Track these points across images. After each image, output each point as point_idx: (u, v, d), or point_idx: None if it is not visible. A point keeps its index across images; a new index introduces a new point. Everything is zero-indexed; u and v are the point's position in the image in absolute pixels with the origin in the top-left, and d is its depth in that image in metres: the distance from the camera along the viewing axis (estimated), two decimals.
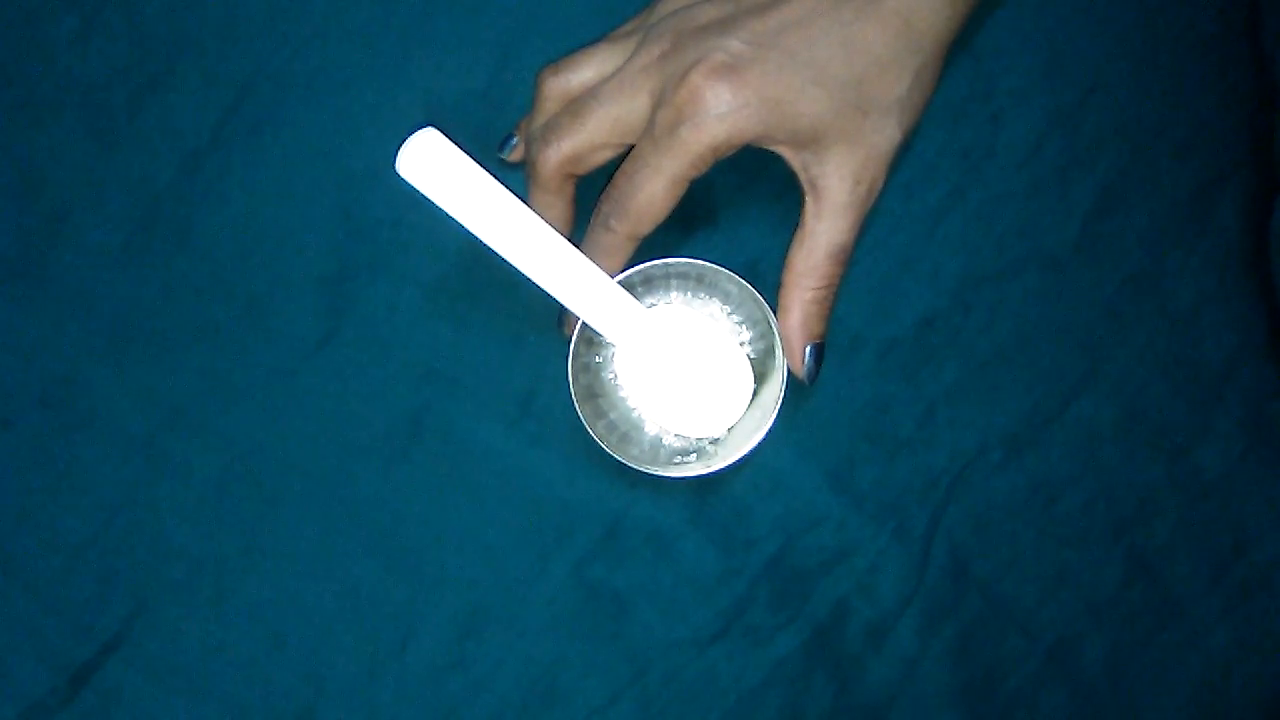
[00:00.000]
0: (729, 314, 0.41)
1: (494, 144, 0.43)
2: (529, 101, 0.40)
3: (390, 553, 0.49)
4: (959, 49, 0.41)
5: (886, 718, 0.50)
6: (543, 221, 0.36)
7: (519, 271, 0.36)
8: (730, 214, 0.50)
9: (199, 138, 0.48)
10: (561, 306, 0.37)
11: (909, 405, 0.51)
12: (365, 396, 0.49)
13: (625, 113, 0.37)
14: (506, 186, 0.35)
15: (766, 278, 0.38)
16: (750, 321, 0.40)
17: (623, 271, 0.38)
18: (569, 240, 0.36)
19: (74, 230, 0.48)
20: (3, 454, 0.48)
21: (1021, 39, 0.51)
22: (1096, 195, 0.51)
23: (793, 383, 0.39)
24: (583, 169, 0.39)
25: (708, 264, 0.38)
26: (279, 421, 0.48)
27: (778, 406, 0.38)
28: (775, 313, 0.38)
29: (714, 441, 0.41)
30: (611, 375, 0.41)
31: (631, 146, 0.38)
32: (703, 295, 0.41)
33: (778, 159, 0.37)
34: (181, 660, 0.48)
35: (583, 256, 0.36)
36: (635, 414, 0.41)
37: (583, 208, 0.40)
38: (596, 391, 0.40)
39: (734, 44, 0.35)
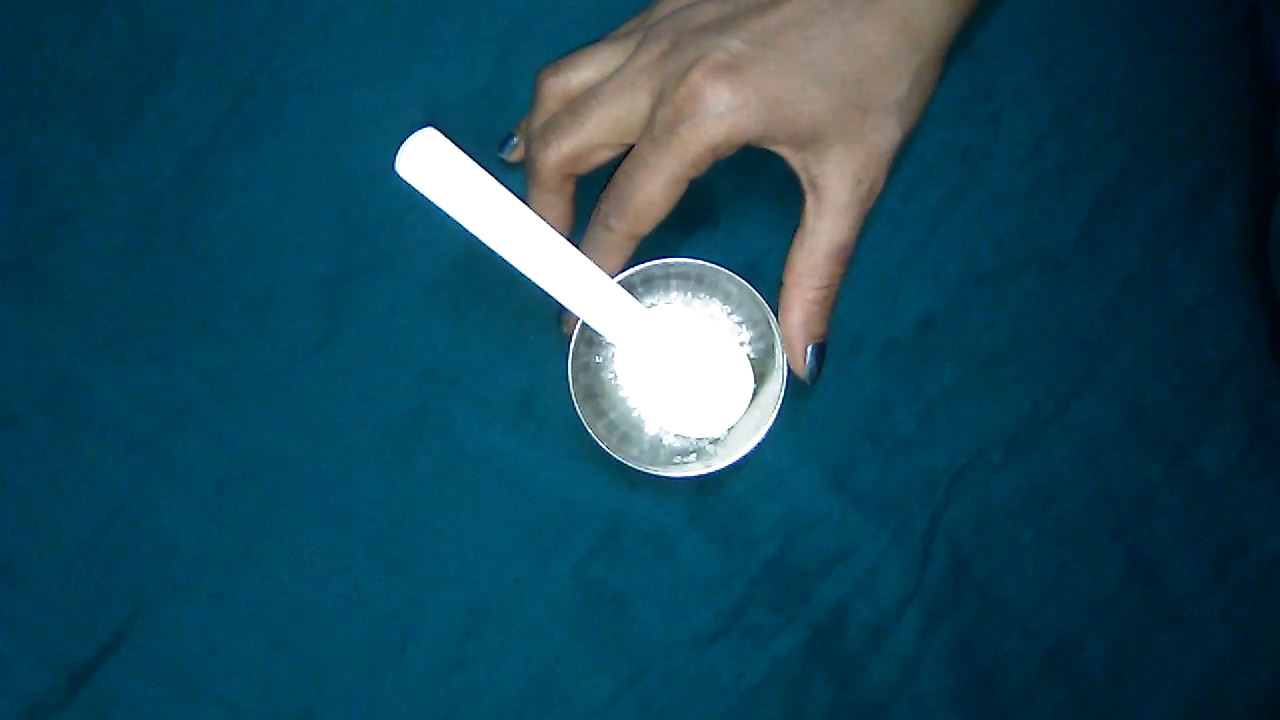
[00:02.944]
0: (729, 314, 0.41)
1: (494, 144, 0.43)
2: (529, 101, 0.40)
3: (390, 553, 0.49)
4: (959, 49, 0.41)
5: (886, 718, 0.50)
6: (543, 221, 0.36)
7: (519, 271, 0.36)
8: (730, 214, 0.50)
9: (199, 138, 0.48)
10: (559, 304, 0.37)
11: (909, 405, 0.51)
12: (365, 396, 0.49)
13: (625, 112, 0.37)
14: (506, 186, 0.35)
15: (766, 278, 0.38)
16: (750, 321, 0.40)
17: (623, 271, 0.38)
18: (569, 240, 0.36)
19: (74, 230, 0.48)
20: (3, 454, 0.48)
21: (1021, 39, 0.51)
22: (1096, 195, 0.51)
23: (793, 383, 0.39)
24: (582, 169, 0.39)
25: (708, 264, 0.38)
26: (279, 421, 0.48)
27: (778, 406, 0.38)
28: (776, 313, 0.38)
29: (714, 441, 0.41)
30: (611, 375, 0.41)
31: (631, 146, 0.38)
32: (703, 295, 0.41)
33: (778, 159, 0.37)
34: (181, 660, 0.48)
35: (583, 256, 0.36)
36: (635, 414, 0.41)
37: (583, 208, 0.40)
38: (596, 391, 0.40)
39: (734, 43, 0.35)
